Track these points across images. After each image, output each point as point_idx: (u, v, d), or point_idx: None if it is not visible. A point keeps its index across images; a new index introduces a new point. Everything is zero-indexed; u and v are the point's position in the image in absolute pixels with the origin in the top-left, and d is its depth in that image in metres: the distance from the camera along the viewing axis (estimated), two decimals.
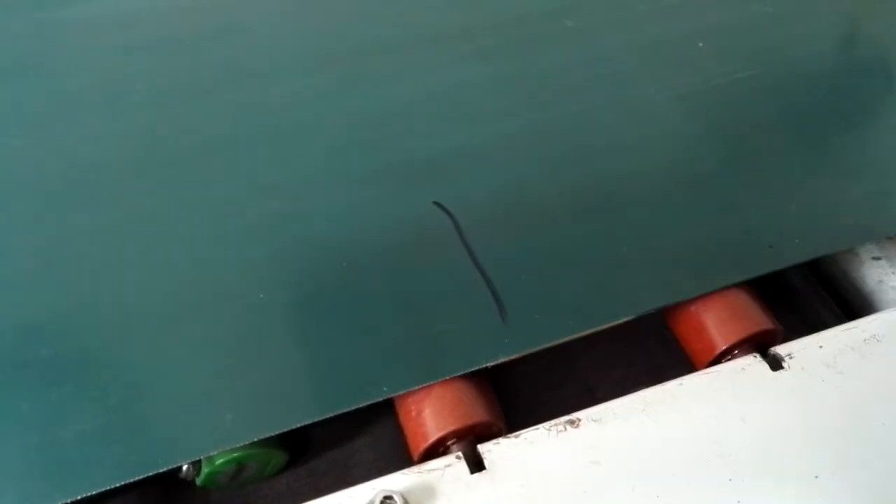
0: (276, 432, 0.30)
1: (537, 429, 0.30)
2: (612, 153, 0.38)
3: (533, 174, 0.37)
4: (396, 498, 0.27)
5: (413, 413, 0.31)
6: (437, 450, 0.30)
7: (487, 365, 0.31)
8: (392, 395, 0.30)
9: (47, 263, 0.33)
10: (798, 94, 0.40)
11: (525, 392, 0.36)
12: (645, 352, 0.37)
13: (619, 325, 0.33)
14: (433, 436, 0.30)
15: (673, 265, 0.34)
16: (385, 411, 0.33)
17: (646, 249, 0.34)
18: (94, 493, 0.28)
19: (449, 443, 0.30)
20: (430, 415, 0.30)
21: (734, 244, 0.35)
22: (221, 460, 0.31)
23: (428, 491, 0.28)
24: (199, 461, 0.31)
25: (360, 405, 0.30)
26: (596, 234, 0.35)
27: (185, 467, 0.31)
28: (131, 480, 0.28)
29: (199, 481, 0.32)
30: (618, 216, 0.35)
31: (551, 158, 0.37)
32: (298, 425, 0.30)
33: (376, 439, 0.35)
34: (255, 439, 0.30)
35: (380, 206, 0.36)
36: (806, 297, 0.39)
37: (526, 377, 0.36)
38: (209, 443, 0.29)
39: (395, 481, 0.28)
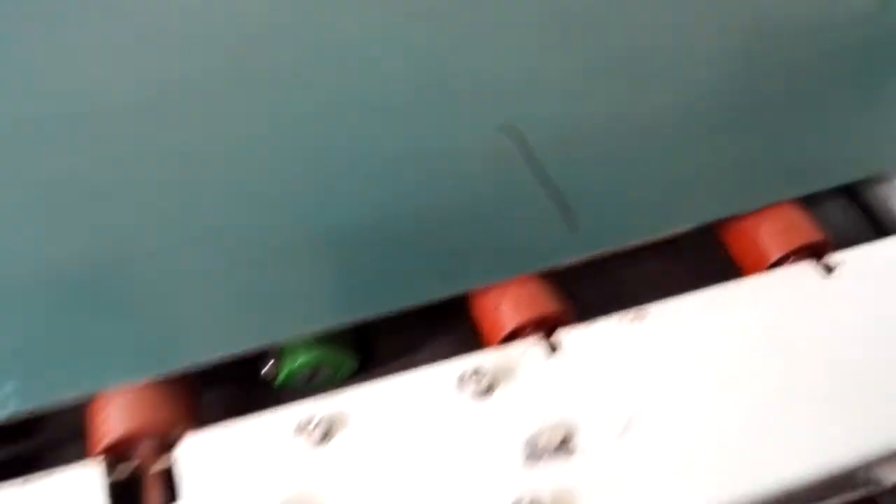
0: (360, 317, 0.31)
1: (608, 318, 0.32)
2: (675, 75, 0.40)
3: (599, 95, 0.39)
4: (486, 369, 0.29)
5: (491, 306, 0.32)
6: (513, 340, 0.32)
7: (557, 265, 0.33)
8: (472, 287, 0.33)
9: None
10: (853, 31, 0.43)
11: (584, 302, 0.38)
12: (694, 271, 0.39)
13: (670, 245, 0.35)
14: (511, 325, 0.32)
15: (732, 180, 0.36)
16: (454, 324, 0.35)
17: (708, 165, 0.37)
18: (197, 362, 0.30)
19: (525, 334, 0.32)
20: (507, 307, 0.32)
21: (789, 164, 0.37)
22: (300, 361, 0.32)
23: (507, 370, 0.30)
24: (282, 358, 0.33)
25: (444, 295, 0.32)
26: (661, 151, 0.37)
27: (267, 366, 0.33)
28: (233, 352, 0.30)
29: (278, 381, 0.33)
30: (681, 136, 0.38)
31: (616, 80, 0.40)
32: (381, 313, 0.32)
33: (446, 348, 0.36)
34: (336, 324, 0.31)
35: (447, 127, 0.38)
36: (847, 220, 0.41)
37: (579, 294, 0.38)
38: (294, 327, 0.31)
39: (477, 358, 0.30)
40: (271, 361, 0.33)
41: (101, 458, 0.28)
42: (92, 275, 0.32)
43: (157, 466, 0.28)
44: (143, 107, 0.37)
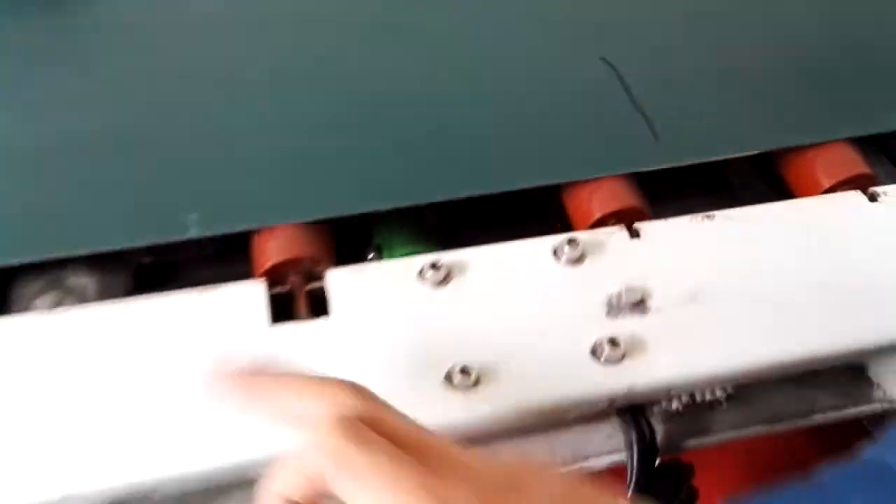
0: (451, 198, 0.37)
1: (680, 217, 0.38)
2: (757, 24, 0.46)
3: (688, 38, 0.45)
4: (579, 241, 0.35)
5: (584, 196, 0.38)
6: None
7: (641, 170, 0.39)
8: (567, 179, 0.39)
9: None
10: None
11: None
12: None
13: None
14: (599, 212, 0.38)
15: (797, 115, 0.42)
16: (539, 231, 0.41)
17: (778, 102, 0.42)
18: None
19: (609, 224, 0.38)
20: (598, 198, 0.38)
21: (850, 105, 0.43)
22: (396, 254, 0.38)
23: (595, 245, 0.36)
24: (381, 252, 0.39)
25: (544, 183, 0.38)
26: (739, 86, 0.43)
27: (370, 256, 0.39)
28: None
29: None
30: (757, 75, 0.43)
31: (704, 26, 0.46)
32: (474, 194, 0.38)
33: None
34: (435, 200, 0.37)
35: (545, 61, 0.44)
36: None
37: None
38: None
39: (572, 234, 0.36)
40: (372, 254, 0.39)
41: (263, 278, 0.34)
42: (272, 146, 0.38)
43: (308, 287, 0.34)
44: None
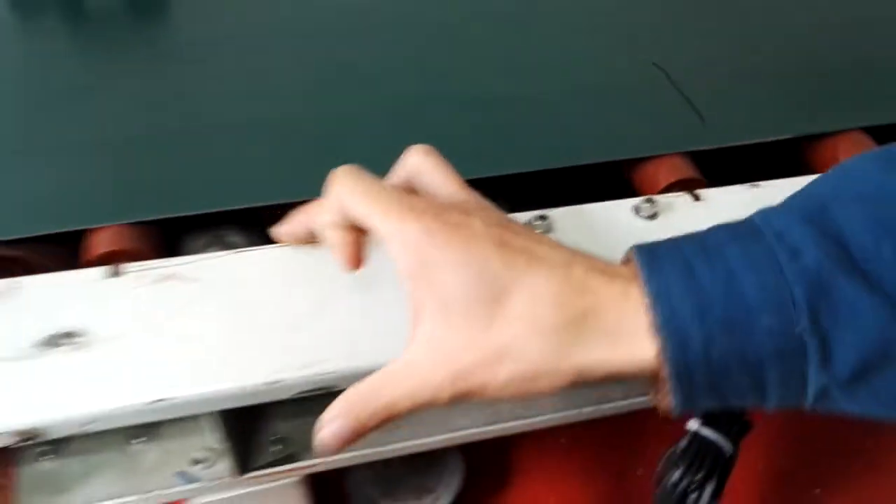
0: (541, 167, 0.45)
1: (733, 185, 0.46)
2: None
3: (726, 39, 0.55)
4: (656, 199, 0.43)
5: (651, 171, 0.46)
6: None
7: (693, 149, 0.48)
8: (629, 156, 0.47)
9: None
10: None
11: None
12: None
13: None
14: (666, 181, 0.46)
15: (823, 105, 0.51)
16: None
17: (806, 92, 0.51)
18: None
19: (674, 191, 0.46)
20: (662, 171, 0.46)
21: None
22: None
23: (666, 206, 0.44)
24: None
25: (610, 159, 0.46)
26: (772, 78, 0.52)
27: None
28: None
29: None
30: (786, 68, 0.52)
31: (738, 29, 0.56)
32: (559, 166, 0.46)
33: None
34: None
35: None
36: None
37: None
38: None
39: (648, 196, 0.44)
40: None
41: None
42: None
43: None
44: None
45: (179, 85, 0.50)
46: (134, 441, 0.43)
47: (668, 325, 0.27)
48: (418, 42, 0.54)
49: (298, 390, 0.35)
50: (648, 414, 0.58)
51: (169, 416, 0.34)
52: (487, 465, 0.59)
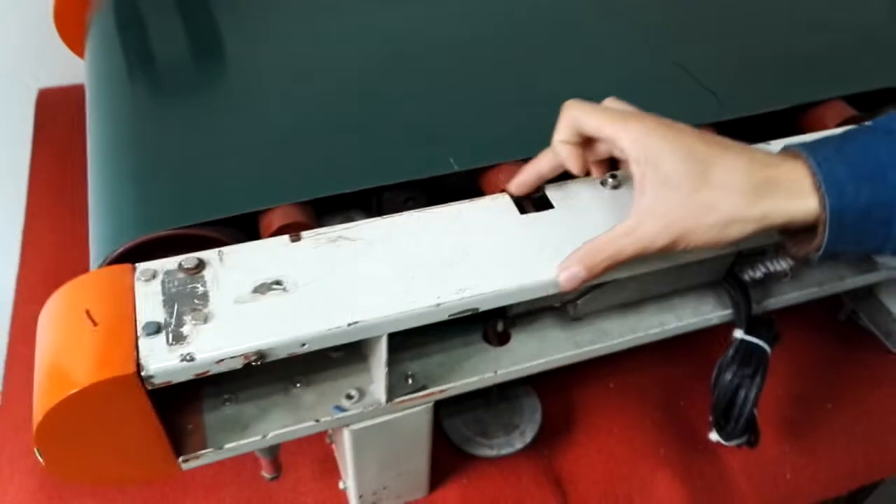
0: None
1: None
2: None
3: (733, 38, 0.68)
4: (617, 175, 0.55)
5: None
6: None
7: (712, 121, 0.60)
8: None
9: None
10: None
11: None
12: None
13: None
14: None
15: (814, 80, 0.64)
16: None
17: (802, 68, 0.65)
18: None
19: None
20: None
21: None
22: None
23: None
24: None
25: None
26: (771, 65, 0.65)
27: None
28: None
29: None
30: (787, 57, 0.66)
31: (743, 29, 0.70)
32: None
33: None
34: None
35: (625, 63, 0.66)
36: None
37: None
38: None
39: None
40: None
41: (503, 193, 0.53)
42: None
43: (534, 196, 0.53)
44: None
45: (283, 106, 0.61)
46: (294, 387, 0.53)
47: (828, 181, 0.41)
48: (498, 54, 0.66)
49: (455, 311, 0.46)
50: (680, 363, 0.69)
51: (360, 337, 0.45)
52: (557, 406, 0.70)
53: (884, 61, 0.67)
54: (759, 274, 0.59)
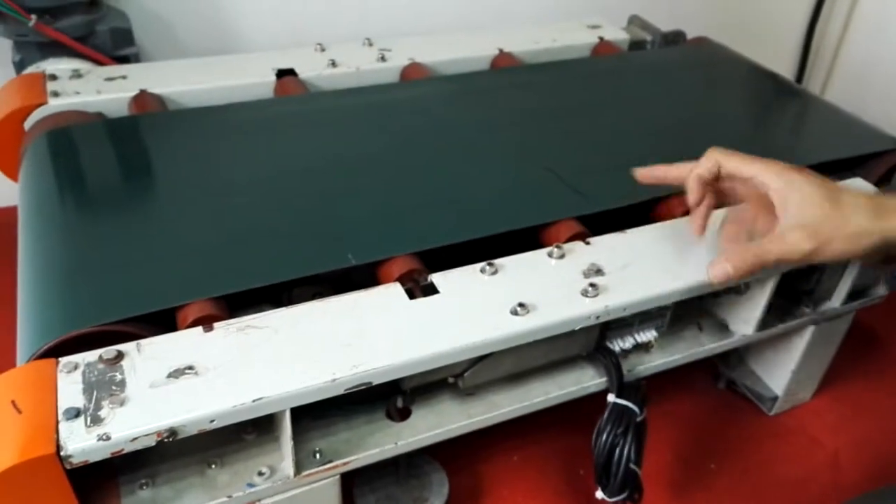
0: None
1: (607, 234, 0.68)
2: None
3: (596, 151, 0.79)
4: (563, 247, 0.64)
5: (553, 230, 0.68)
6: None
7: (580, 214, 0.70)
8: (539, 222, 0.68)
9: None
10: None
11: None
12: None
13: None
14: (566, 235, 0.67)
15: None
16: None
17: None
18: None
19: (573, 240, 0.67)
20: (563, 229, 0.68)
21: None
22: None
23: (570, 250, 0.65)
24: None
25: (528, 224, 0.68)
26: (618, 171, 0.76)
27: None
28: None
29: None
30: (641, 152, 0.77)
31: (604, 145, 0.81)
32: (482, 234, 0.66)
33: None
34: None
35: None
36: None
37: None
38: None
39: (555, 245, 0.65)
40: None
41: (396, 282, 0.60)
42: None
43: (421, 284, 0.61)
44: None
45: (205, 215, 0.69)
46: (210, 468, 0.57)
47: None
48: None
49: (349, 385, 0.52)
50: (578, 433, 0.76)
51: (264, 413, 0.50)
52: (464, 480, 0.75)
53: None
54: (627, 344, 0.67)
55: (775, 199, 0.57)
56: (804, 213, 0.55)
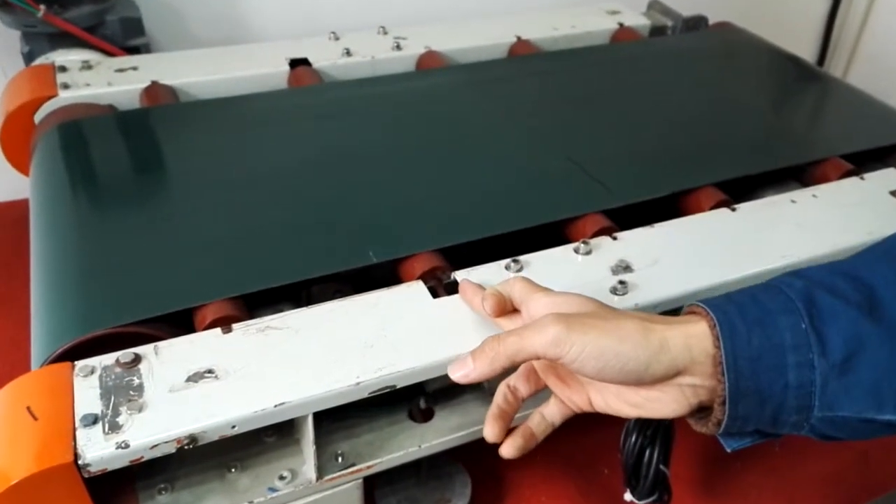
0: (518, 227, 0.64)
1: (634, 229, 0.66)
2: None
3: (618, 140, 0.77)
4: (590, 242, 0.62)
5: (580, 224, 0.66)
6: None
7: (606, 208, 0.68)
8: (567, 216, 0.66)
9: None
10: None
11: None
12: None
13: None
14: (592, 230, 0.65)
15: (679, 170, 0.73)
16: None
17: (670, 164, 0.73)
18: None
19: (600, 235, 0.65)
20: (590, 224, 0.66)
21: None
22: None
23: (597, 245, 0.63)
24: None
25: (554, 219, 0.66)
26: (641, 164, 0.74)
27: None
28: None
29: None
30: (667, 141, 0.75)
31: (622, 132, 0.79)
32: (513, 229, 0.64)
33: None
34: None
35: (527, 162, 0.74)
36: None
37: None
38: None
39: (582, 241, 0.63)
40: None
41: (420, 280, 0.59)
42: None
43: (444, 282, 0.59)
44: None
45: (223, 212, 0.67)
46: (230, 472, 0.56)
47: (722, 323, 0.41)
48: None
49: (373, 388, 0.50)
50: (602, 430, 0.74)
51: (286, 417, 0.49)
52: (487, 482, 0.74)
53: (745, 153, 0.77)
54: None
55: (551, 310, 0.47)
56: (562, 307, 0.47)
